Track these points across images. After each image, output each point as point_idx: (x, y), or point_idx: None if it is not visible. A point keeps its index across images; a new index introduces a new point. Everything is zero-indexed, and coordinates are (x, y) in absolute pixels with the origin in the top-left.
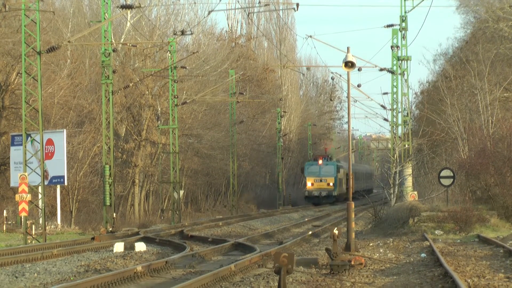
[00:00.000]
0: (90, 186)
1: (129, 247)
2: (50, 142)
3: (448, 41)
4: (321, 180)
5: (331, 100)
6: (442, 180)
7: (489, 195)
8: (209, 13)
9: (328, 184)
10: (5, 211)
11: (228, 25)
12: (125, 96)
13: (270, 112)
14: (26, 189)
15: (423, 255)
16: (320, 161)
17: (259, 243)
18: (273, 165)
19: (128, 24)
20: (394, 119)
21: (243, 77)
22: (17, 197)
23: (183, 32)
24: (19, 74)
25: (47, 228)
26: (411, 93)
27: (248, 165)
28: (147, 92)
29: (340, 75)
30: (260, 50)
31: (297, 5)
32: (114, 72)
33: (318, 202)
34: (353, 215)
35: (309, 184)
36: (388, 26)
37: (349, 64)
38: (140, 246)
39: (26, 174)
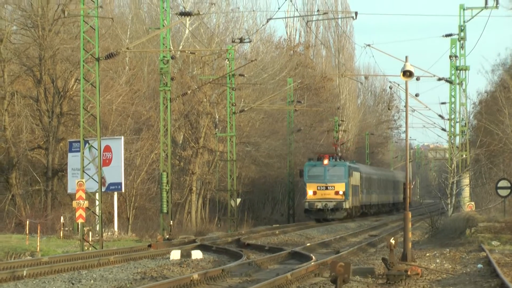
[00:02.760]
0: (147, 193)
1: (186, 255)
2: (107, 148)
3: (507, 51)
4: (327, 187)
5: (389, 109)
6: (499, 191)
7: None
8: (267, 21)
9: (337, 193)
10: (62, 218)
11: (287, 33)
12: (183, 103)
13: (328, 121)
14: (84, 195)
15: (479, 266)
16: (326, 161)
17: (315, 252)
18: None
19: (187, 31)
20: (452, 129)
21: (301, 86)
22: (74, 203)
23: (241, 40)
24: (77, 81)
25: (104, 235)
26: (469, 103)
27: None
28: (205, 100)
29: (398, 84)
30: (318, 59)
31: (356, 13)
32: (172, 79)
33: (323, 217)
34: (410, 225)
35: (310, 192)
36: (447, 35)
37: (407, 74)
38: (197, 254)
39: (84, 180)
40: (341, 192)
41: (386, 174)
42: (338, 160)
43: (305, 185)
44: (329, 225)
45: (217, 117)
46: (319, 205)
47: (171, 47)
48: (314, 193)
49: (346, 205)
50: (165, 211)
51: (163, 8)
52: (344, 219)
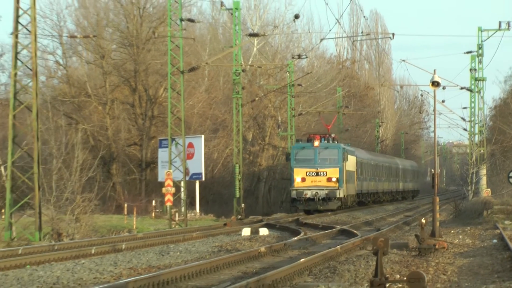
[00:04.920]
0: (223, 181)
1: (255, 232)
2: (190, 145)
3: None
4: (317, 173)
5: (420, 113)
6: (511, 180)
7: None
8: (321, 41)
9: (329, 180)
10: (153, 201)
11: (336, 50)
12: (252, 108)
13: (370, 123)
14: (171, 183)
15: (494, 241)
16: (317, 142)
17: (360, 230)
18: None
19: (255, 49)
20: (472, 129)
21: (348, 93)
22: (163, 190)
23: (299, 56)
24: (165, 90)
25: (188, 215)
26: (486, 107)
27: None
28: (270, 105)
29: (428, 92)
30: (362, 71)
31: (393, 34)
32: (243, 88)
33: (314, 208)
34: (437, 207)
35: (298, 179)
36: (468, 52)
37: (435, 84)
38: (263, 231)
39: (171, 171)
40: (334, 179)
41: (388, 161)
42: (331, 141)
43: (292, 171)
44: (371, 208)
45: (279, 119)
46: (309, 194)
47: (242, 62)
48: (303, 179)
49: (340, 193)
50: (237, 196)
51: (236, 30)
52: (338, 210)
